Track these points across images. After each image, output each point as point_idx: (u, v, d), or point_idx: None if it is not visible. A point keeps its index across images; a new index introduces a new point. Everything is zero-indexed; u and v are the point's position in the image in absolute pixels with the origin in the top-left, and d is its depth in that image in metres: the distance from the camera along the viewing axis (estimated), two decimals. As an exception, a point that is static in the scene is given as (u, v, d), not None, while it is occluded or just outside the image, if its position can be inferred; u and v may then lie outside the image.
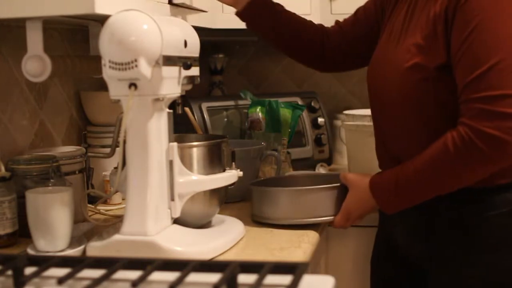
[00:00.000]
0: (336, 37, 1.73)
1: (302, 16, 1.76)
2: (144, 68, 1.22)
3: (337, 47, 1.73)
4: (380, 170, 1.59)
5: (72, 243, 1.37)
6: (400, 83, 1.41)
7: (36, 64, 1.36)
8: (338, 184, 1.57)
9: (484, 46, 1.29)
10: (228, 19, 2.07)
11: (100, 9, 1.23)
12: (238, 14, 1.75)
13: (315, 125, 2.39)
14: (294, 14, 1.75)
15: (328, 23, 1.79)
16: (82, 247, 1.35)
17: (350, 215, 1.53)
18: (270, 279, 0.88)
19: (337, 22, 1.77)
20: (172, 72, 1.30)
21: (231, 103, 2.27)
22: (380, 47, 1.54)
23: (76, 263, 0.93)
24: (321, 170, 2.28)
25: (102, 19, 1.29)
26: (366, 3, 1.71)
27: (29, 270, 0.91)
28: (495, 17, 1.29)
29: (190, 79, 1.39)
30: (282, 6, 1.74)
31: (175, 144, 1.33)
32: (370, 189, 1.47)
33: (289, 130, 2.14)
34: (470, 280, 1.41)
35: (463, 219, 1.41)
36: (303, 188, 1.59)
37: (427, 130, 1.41)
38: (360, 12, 1.71)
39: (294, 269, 0.88)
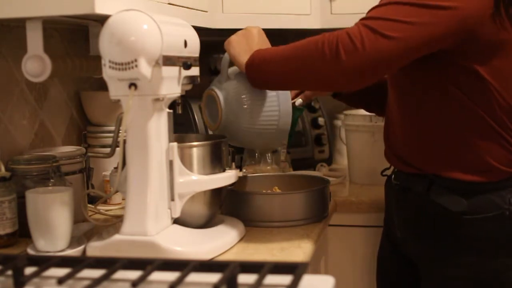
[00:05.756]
0: None
1: (302, 16, 1.75)
2: (144, 68, 1.22)
3: None
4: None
5: (72, 243, 1.37)
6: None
7: (36, 64, 1.36)
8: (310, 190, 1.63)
9: None
10: (228, 19, 2.08)
11: (100, 9, 1.23)
12: (335, 97, 1.75)
13: (315, 125, 2.39)
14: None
15: (328, 23, 1.79)
16: (82, 247, 1.35)
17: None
18: (270, 279, 0.88)
19: None
20: (172, 72, 1.30)
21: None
22: None
23: (76, 263, 0.93)
24: (321, 170, 2.28)
25: (102, 19, 1.29)
26: None
27: (29, 270, 0.91)
28: None
29: (190, 79, 1.39)
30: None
31: (175, 144, 1.33)
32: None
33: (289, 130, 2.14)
34: (455, 281, 1.44)
35: (449, 220, 1.42)
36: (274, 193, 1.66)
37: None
38: None
39: (294, 269, 0.88)
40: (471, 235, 1.41)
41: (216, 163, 1.43)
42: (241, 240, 1.46)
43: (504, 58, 1.36)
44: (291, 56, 1.39)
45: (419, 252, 1.51)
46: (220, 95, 1.51)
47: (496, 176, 1.40)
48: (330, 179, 1.82)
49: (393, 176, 1.58)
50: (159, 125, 1.30)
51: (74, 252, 1.34)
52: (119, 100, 1.28)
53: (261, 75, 1.44)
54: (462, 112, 1.39)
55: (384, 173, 1.66)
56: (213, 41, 2.49)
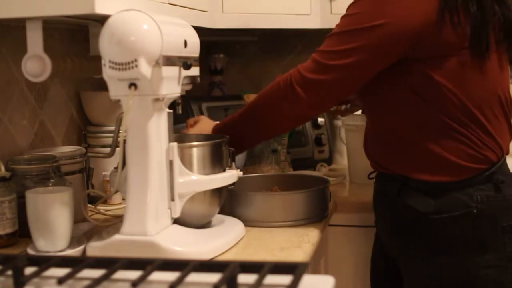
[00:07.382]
0: None
1: (302, 16, 1.75)
2: (144, 68, 1.22)
3: None
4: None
5: (72, 243, 1.37)
6: None
7: (36, 64, 1.36)
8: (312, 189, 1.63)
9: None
10: (228, 19, 2.08)
11: (100, 9, 1.24)
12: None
13: (315, 125, 2.39)
14: None
15: (328, 23, 1.79)
16: (82, 247, 1.35)
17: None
18: (270, 279, 0.88)
19: None
20: (172, 72, 1.30)
21: (231, 103, 2.27)
22: None
23: (76, 263, 0.93)
24: (321, 170, 2.28)
25: (102, 19, 1.29)
26: None
27: (29, 270, 0.91)
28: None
29: (190, 79, 1.39)
30: None
31: (175, 144, 1.33)
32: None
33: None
34: (429, 280, 1.46)
35: (420, 221, 1.45)
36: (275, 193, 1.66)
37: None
38: None
39: (294, 269, 0.88)
40: (442, 235, 1.44)
41: (216, 163, 1.43)
42: (241, 240, 1.45)
43: (453, 60, 1.40)
44: (255, 107, 1.54)
45: (397, 253, 1.55)
46: None
47: (460, 174, 1.43)
48: (330, 179, 1.83)
49: (374, 179, 1.64)
50: (159, 125, 1.30)
51: (74, 252, 1.34)
52: (119, 100, 1.28)
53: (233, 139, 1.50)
54: (419, 114, 1.44)
55: (370, 176, 1.70)
56: (213, 41, 2.50)
